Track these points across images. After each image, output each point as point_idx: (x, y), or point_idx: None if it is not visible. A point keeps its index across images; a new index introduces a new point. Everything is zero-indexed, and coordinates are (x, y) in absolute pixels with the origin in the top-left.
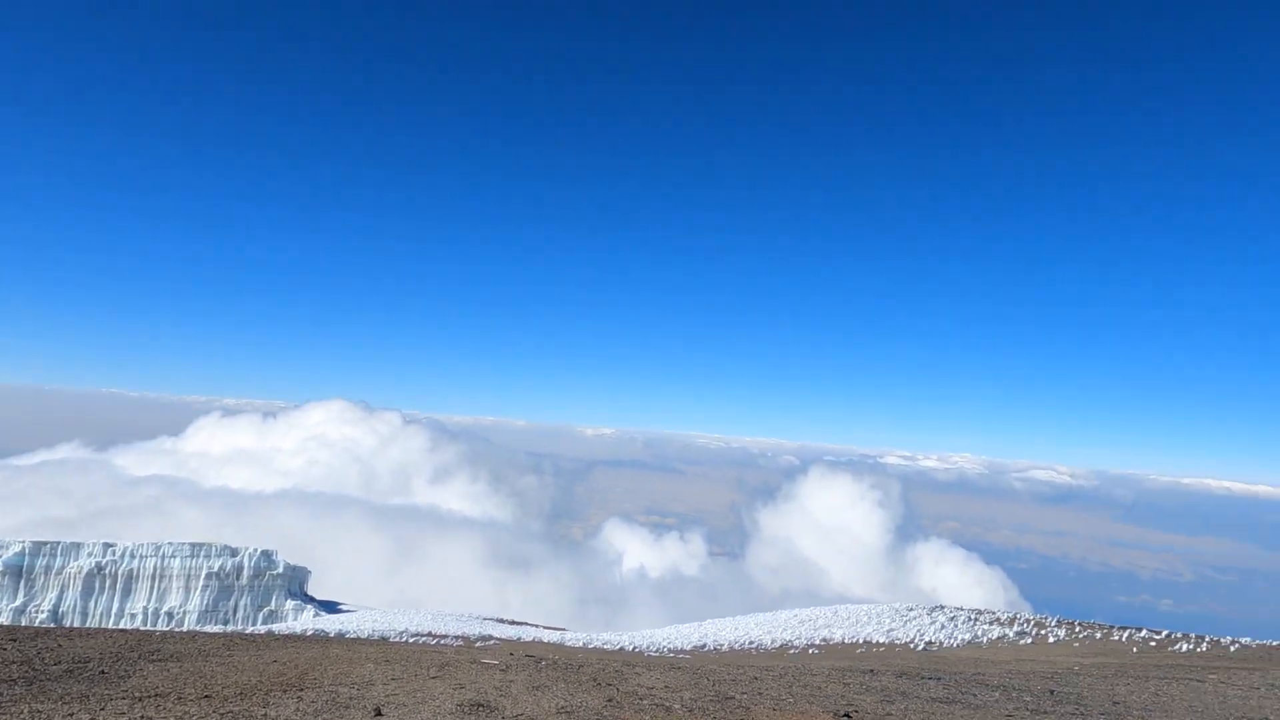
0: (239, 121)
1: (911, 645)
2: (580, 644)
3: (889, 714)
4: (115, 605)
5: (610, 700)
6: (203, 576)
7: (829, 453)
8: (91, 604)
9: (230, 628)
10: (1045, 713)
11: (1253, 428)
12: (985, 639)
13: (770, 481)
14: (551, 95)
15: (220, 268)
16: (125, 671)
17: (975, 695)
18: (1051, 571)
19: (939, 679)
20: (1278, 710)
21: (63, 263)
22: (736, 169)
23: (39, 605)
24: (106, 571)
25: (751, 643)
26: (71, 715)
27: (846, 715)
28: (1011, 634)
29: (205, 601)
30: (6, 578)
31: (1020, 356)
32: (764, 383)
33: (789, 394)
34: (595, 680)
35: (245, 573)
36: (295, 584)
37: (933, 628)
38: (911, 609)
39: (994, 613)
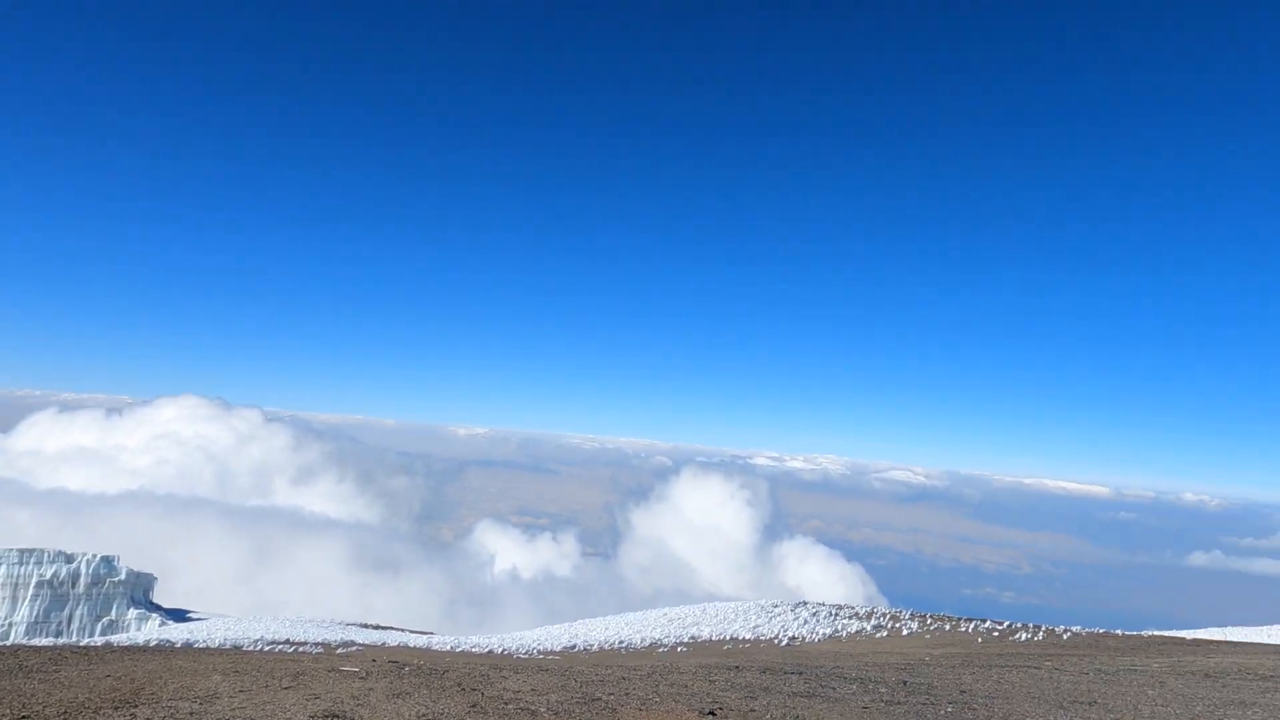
0: (83, 111)
1: (776, 641)
2: (448, 648)
3: (753, 710)
4: None
5: (474, 706)
6: (32, 585)
7: (701, 454)
8: None
9: (63, 640)
10: (899, 703)
11: (1085, 433)
12: (845, 633)
13: (643, 482)
14: (391, 92)
15: (58, 253)
16: None
17: (834, 688)
18: (906, 567)
19: (800, 673)
20: (1105, 693)
21: None
22: (618, 160)
23: None
24: None
25: (622, 642)
26: None
27: (712, 713)
28: (869, 628)
29: (35, 612)
30: None
31: (879, 362)
32: (639, 384)
33: (663, 396)
34: (460, 685)
35: (82, 580)
36: (139, 591)
37: (796, 623)
38: (777, 605)
39: (853, 608)
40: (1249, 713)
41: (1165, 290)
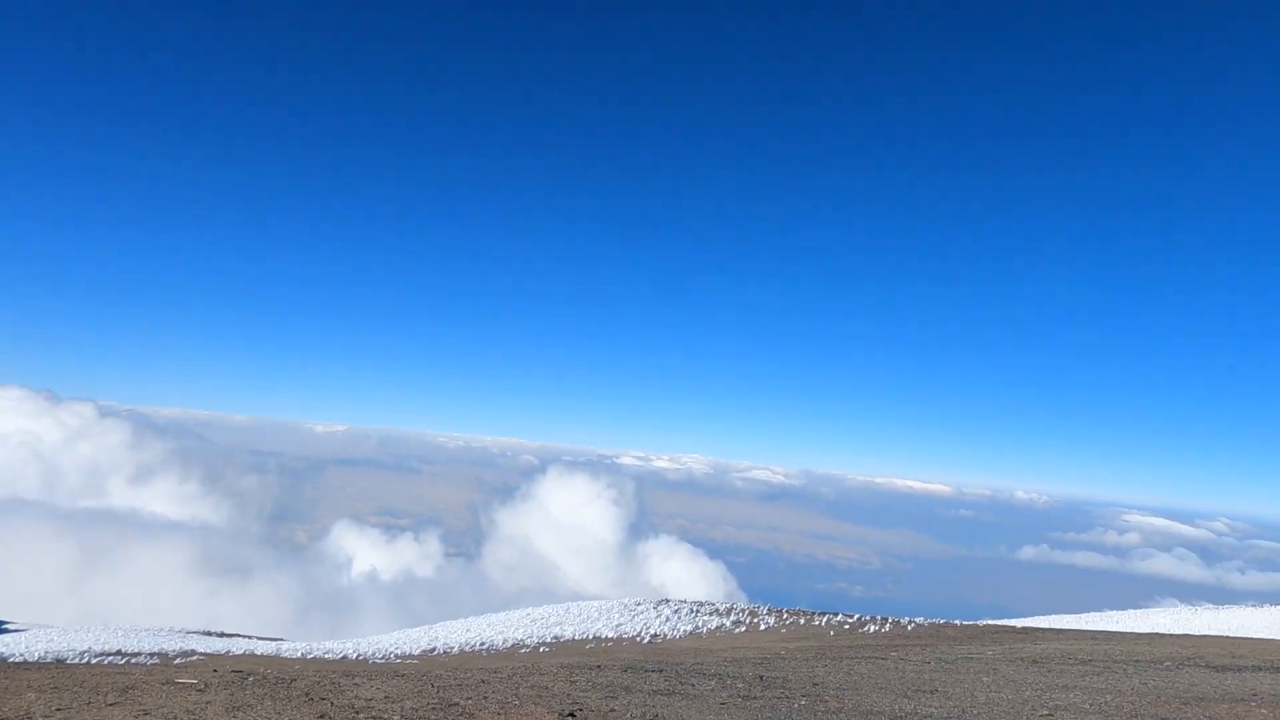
0: None
1: (638, 639)
2: (299, 655)
3: (613, 709)
4: None
5: (322, 716)
6: None
7: (568, 453)
8: None
9: None
10: (755, 697)
11: (930, 435)
12: (705, 629)
13: (509, 481)
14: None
15: None
16: None
17: (694, 685)
18: (765, 563)
19: (661, 671)
20: (945, 681)
21: None
22: (489, 164)
23: None
24: None
25: (483, 644)
26: None
27: (571, 715)
28: (728, 623)
29: None
30: None
31: (741, 364)
32: (506, 383)
33: (531, 395)
34: (308, 695)
35: None
36: None
37: (658, 621)
38: (640, 603)
39: (714, 604)
40: (1071, 695)
41: (995, 303)
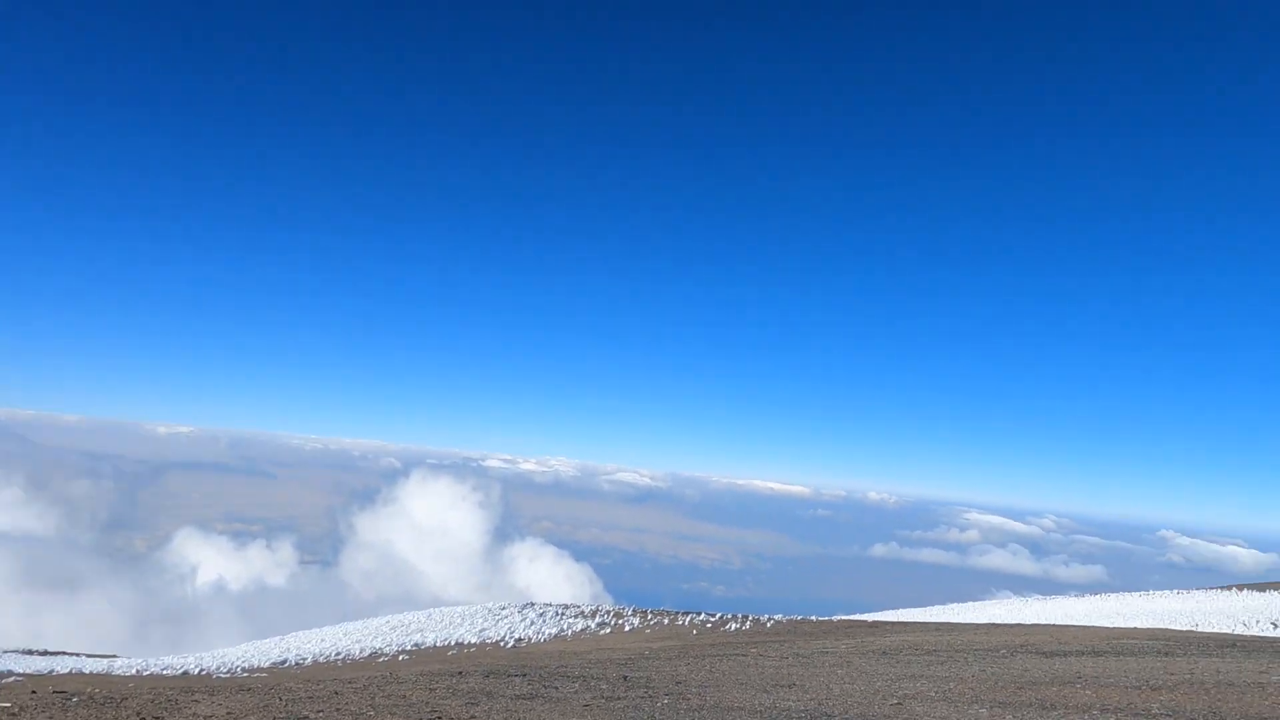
0: None
1: (502, 643)
2: (133, 672)
3: (473, 716)
4: None
5: None
6: None
7: (433, 455)
8: None
9: None
10: (619, 698)
11: (789, 437)
12: (570, 632)
13: (370, 484)
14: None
15: None
16: None
17: (557, 688)
18: (631, 565)
19: (524, 675)
20: (802, 675)
21: None
22: (355, 157)
23: None
24: None
25: (339, 653)
26: None
27: None
28: (594, 625)
29: None
30: None
31: (608, 366)
32: (368, 383)
33: (394, 396)
34: (139, 714)
35: None
36: None
37: (523, 624)
38: (504, 608)
39: (579, 606)
40: (918, 684)
41: (847, 310)
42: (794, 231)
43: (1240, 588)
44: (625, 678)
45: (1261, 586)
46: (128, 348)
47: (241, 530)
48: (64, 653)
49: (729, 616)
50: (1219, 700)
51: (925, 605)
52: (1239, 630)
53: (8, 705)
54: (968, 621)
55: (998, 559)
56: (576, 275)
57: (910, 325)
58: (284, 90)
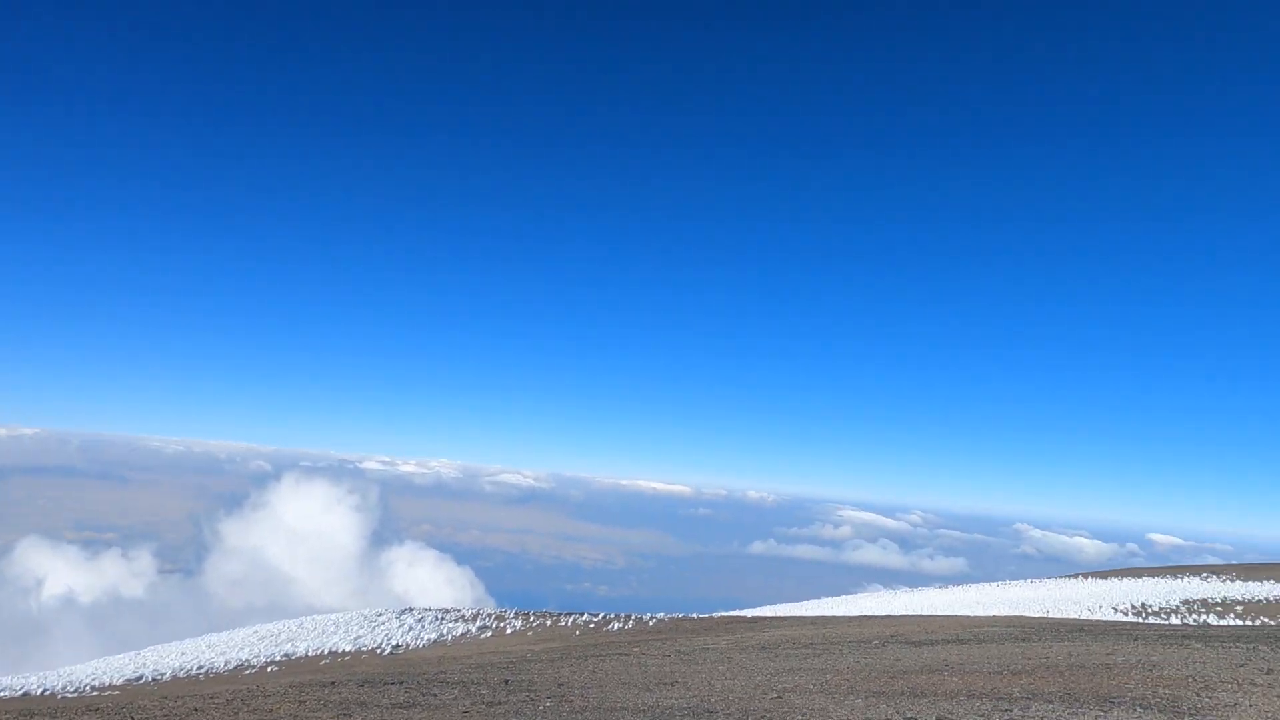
0: None
1: (379, 651)
2: None
3: None
4: None
5: None
6: None
7: (306, 458)
8: None
9: None
10: (500, 703)
11: (670, 436)
12: (450, 636)
13: (238, 488)
14: None
15: None
16: None
17: (436, 695)
18: (513, 566)
19: (402, 683)
20: (684, 672)
21: None
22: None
23: None
24: None
25: (201, 667)
26: None
27: None
28: (474, 629)
29: None
30: None
31: (490, 366)
32: (235, 382)
33: (264, 395)
34: None
35: None
36: None
37: (400, 630)
38: (381, 614)
39: (460, 610)
40: (797, 677)
41: (722, 313)
42: (666, 231)
43: (1085, 575)
44: (506, 682)
45: (1104, 574)
46: None
47: (94, 539)
48: None
49: (612, 616)
50: (1072, 682)
51: (802, 600)
52: (1085, 615)
53: None
54: (842, 614)
55: (869, 554)
56: (456, 272)
57: (786, 327)
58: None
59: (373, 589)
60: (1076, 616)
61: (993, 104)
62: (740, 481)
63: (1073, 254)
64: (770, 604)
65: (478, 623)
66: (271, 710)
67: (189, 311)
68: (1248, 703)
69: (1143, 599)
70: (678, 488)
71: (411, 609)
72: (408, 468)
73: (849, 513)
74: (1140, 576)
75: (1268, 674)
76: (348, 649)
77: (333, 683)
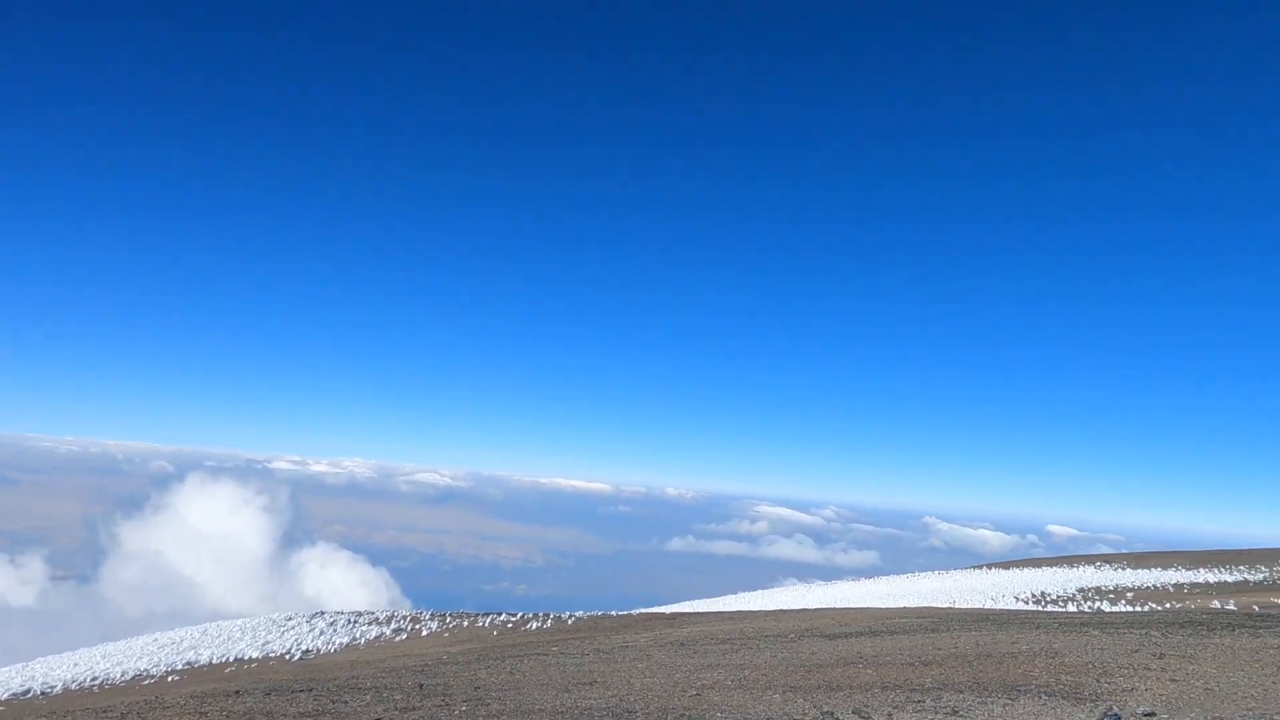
0: None
1: (288, 657)
2: None
3: None
4: None
5: None
6: None
7: (211, 458)
8: None
9: None
10: (414, 708)
11: (589, 435)
12: (364, 640)
13: (138, 491)
14: None
15: None
16: None
17: (346, 702)
18: (430, 567)
19: (310, 690)
20: (603, 671)
21: None
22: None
23: None
24: None
25: (95, 678)
26: None
27: None
28: (389, 632)
29: None
30: None
31: (404, 364)
32: (135, 378)
33: (166, 392)
34: None
35: None
36: None
37: (311, 635)
38: (290, 618)
39: (374, 613)
40: (715, 673)
41: (643, 312)
42: (576, 228)
43: (989, 566)
44: (421, 686)
45: (1006, 564)
46: None
47: None
48: None
49: (530, 616)
50: (980, 671)
51: (720, 595)
52: (990, 604)
53: None
54: (759, 609)
55: (785, 548)
56: (368, 267)
57: (704, 327)
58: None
59: (283, 593)
60: (982, 606)
61: (931, 106)
62: (659, 479)
63: (964, 255)
64: (689, 600)
65: (392, 625)
66: None
67: (83, 305)
68: (1143, 687)
69: (1042, 588)
70: (597, 485)
71: (323, 613)
72: (320, 467)
73: (766, 509)
74: (1040, 566)
75: (1160, 658)
76: (255, 655)
77: (237, 692)
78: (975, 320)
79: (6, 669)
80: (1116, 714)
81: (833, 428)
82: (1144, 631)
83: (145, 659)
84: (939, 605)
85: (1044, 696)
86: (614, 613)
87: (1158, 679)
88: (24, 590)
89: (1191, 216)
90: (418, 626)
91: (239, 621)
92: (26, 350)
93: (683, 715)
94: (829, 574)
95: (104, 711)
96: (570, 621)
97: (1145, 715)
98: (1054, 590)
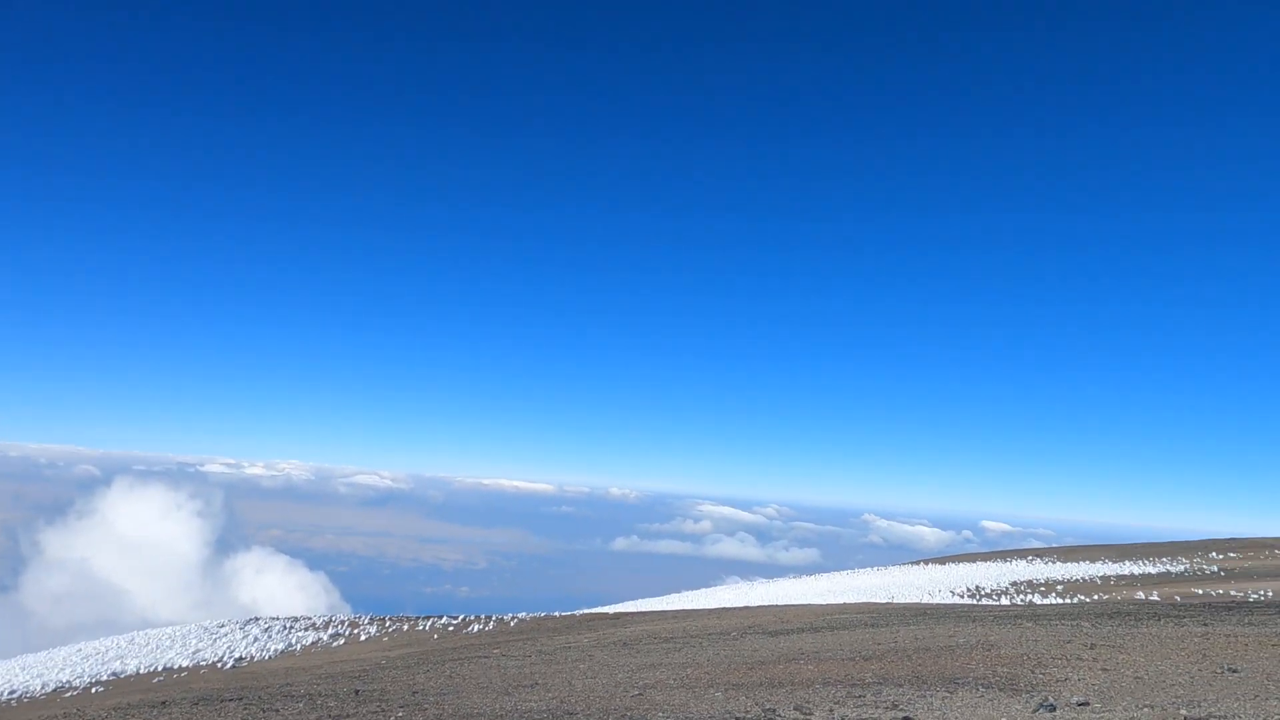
0: None
1: (220, 665)
2: None
3: None
4: None
5: None
6: None
7: (140, 461)
8: None
9: None
10: (348, 716)
11: (532, 434)
12: (300, 646)
13: (61, 496)
14: None
15: None
16: None
17: (279, 710)
18: (370, 571)
19: (241, 699)
20: (545, 673)
21: None
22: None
23: None
24: None
25: (14, 691)
26: None
27: None
28: (326, 637)
29: None
30: None
31: (341, 364)
32: (56, 379)
33: (89, 394)
34: None
35: None
36: None
37: (244, 642)
38: (223, 625)
39: (310, 618)
40: (658, 672)
41: (584, 309)
42: (515, 227)
43: (926, 562)
44: (357, 692)
45: (942, 560)
46: None
47: None
48: None
49: (472, 618)
50: (920, 665)
51: (664, 594)
52: (927, 599)
53: None
54: (702, 607)
55: (728, 547)
56: (303, 261)
57: (643, 324)
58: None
59: (217, 600)
60: (920, 601)
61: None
62: (602, 479)
63: (897, 250)
64: (633, 599)
65: (329, 630)
66: None
67: (53, 317)
68: (1076, 677)
69: (977, 582)
70: (540, 486)
71: (258, 619)
72: (255, 470)
73: (709, 508)
74: (974, 561)
75: (1091, 649)
76: (185, 664)
77: (164, 702)
78: (910, 321)
79: None
80: (1052, 704)
81: (774, 427)
82: (1075, 623)
83: (68, 670)
84: (878, 601)
85: (982, 688)
86: (557, 614)
87: (1090, 669)
88: None
89: (1112, 209)
90: (356, 631)
91: (168, 629)
92: None
93: (624, 716)
94: (771, 571)
95: None
96: (513, 623)
97: (1079, 705)
98: (988, 584)
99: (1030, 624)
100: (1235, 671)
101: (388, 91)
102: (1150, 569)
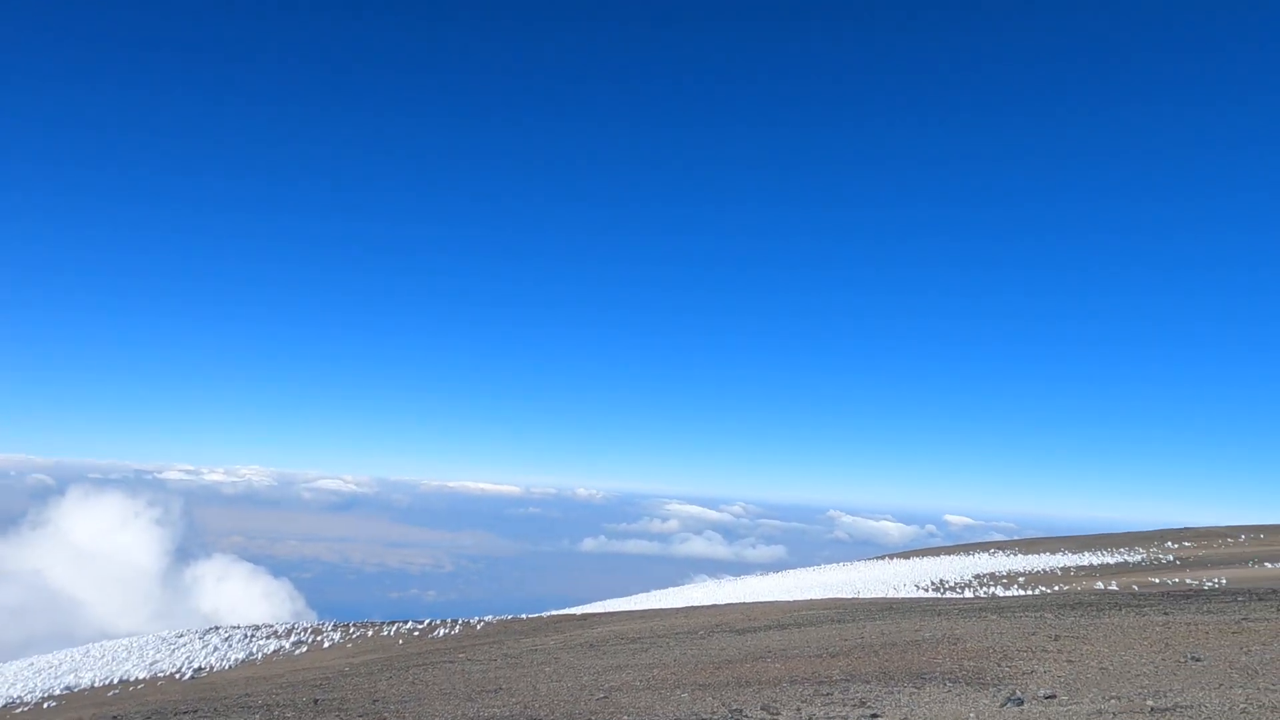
0: None
1: (178, 676)
2: None
3: None
4: None
5: None
6: None
7: (95, 469)
8: None
9: None
10: None
11: (498, 436)
12: (261, 655)
13: (14, 506)
14: None
15: None
16: None
17: None
18: (334, 577)
19: (196, 711)
20: (509, 677)
21: None
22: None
23: None
24: None
25: None
26: None
27: None
28: (288, 645)
29: None
30: None
31: (305, 366)
32: (4, 385)
33: (40, 400)
34: None
35: None
36: None
37: (204, 652)
38: (182, 635)
39: (272, 626)
40: (624, 674)
41: (551, 311)
42: (478, 228)
43: (891, 557)
44: (316, 701)
45: (907, 554)
46: None
47: None
48: None
49: (438, 622)
50: (887, 660)
51: (632, 594)
52: (892, 594)
53: None
54: (669, 606)
55: (696, 545)
56: (261, 263)
57: (614, 325)
58: None
59: (178, 610)
60: (885, 596)
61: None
62: (569, 479)
63: (857, 246)
64: (602, 600)
65: (292, 638)
66: None
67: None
68: (1042, 669)
69: (941, 575)
70: (506, 488)
71: (218, 628)
72: (214, 476)
73: (676, 506)
74: (938, 555)
75: (1055, 640)
76: (142, 676)
77: (116, 716)
78: (871, 318)
79: None
80: (1019, 698)
81: (739, 425)
82: (1038, 614)
83: (19, 685)
84: (844, 596)
85: (949, 683)
86: (524, 616)
87: (1055, 660)
88: None
89: (1067, 201)
90: (319, 638)
91: (125, 641)
92: None
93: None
94: (739, 569)
95: None
96: (479, 626)
97: (1046, 698)
98: (952, 578)
99: (995, 616)
100: (1199, 660)
101: (328, 78)
102: (1109, 559)
